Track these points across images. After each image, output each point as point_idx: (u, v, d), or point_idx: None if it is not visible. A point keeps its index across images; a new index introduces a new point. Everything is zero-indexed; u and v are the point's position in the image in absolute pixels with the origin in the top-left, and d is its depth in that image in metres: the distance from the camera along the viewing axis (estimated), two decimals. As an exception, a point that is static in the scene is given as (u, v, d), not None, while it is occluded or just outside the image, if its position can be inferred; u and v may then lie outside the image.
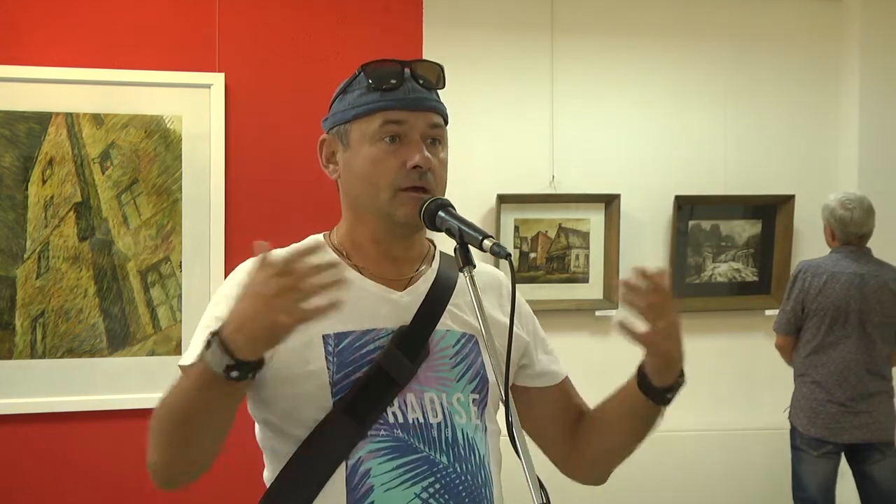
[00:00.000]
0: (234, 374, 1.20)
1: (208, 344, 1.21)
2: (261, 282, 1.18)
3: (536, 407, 1.56)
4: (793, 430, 3.69)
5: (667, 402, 1.43)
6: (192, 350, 1.37)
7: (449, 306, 1.46)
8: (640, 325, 1.33)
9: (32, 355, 3.26)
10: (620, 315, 1.43)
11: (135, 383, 3.30)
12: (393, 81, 1.41)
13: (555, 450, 1.59)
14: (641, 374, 1.42)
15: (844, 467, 3.70)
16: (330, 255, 1.41)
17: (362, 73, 1.43)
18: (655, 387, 1.41)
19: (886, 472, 3.61)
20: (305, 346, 1.38)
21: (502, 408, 1.33)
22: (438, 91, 1.47)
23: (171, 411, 1.30)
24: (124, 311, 3.32)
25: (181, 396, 1.28)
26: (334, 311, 1.19)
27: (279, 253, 1.23)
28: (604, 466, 1.58)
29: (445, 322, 1.45)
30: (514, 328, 1.37)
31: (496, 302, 1.52)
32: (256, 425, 1.47)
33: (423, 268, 1.49)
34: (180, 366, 1.40)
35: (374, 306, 1.42)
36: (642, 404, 1.44)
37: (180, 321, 3.35)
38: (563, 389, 1.60)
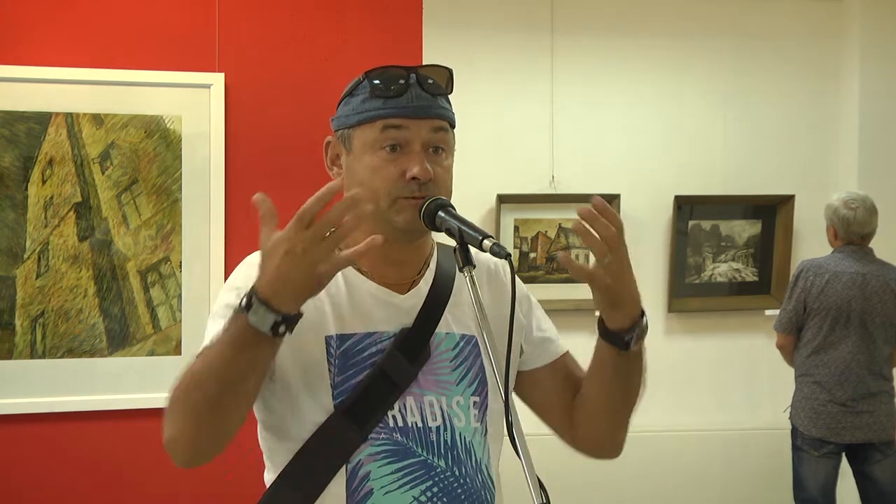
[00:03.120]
0: (282, 329, 1.19)
1: (247, 305, 1.18)
2: (287, 238, 1.17)
3: (538, 386, 1.55)
4: (794, 430, 3.69)
5: (626, 345, 1.38)
6: (205, 341, 1.36)
7: (449, 307, 1.46)
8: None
9: (32, 355, 3.26)
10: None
11: (135, 383, 3.30)
12: (397, 88, 1.39)
13: (563, 429, 1.55)
14: (601, 324, 1.39)
15: (845, 467, 3.70)
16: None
17: (366, 79, 1.42)
18: (612, 331, 1.37)
19: (887, 473, 3.61)
20: (309, 346, 1.38)
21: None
22: (447, 96, 1.45)
23: (204, 380, 1.25)
24: (124, 311, 3.32)
25: (217, 362, 1.24)
26: (377, 246, 1.20)
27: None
28: (607, 435, 1.52)
29: (445, 324, 1.45)
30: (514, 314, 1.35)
31: (498, 289, 1.50)
32: (259, 426, 1.47)
33: (425, 269, 1.49)
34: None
35: (376, 309, 1.43)
36: (609, 355, 1.40)
37: (180, 321, 3.35)
38: (562, 365, 1.57)
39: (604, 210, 1.27)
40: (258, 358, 1.23)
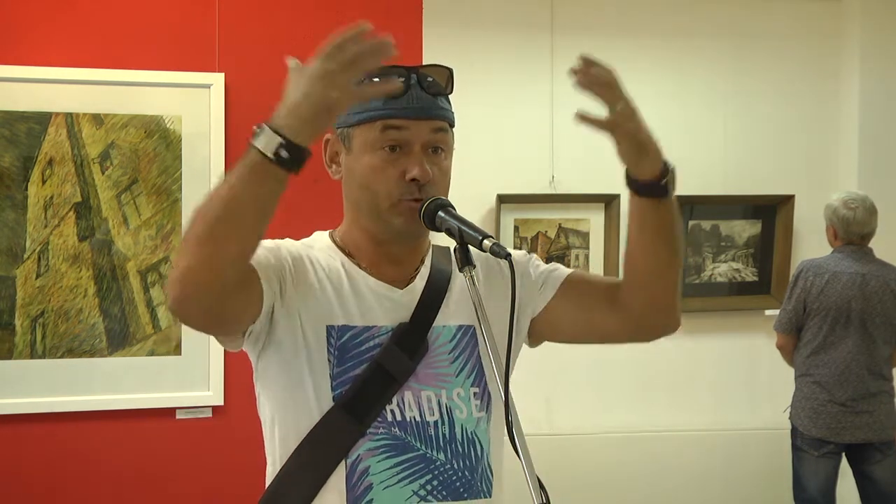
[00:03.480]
0: (284, 153, 1.17)
1: (259, 130, 1.19)
2: (312, 66, 1.18)
3: (562, 312, 1.53)
4: (793, 430, 3.69)
5: (664, 191, 1.38)
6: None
7: (446, 300, 1.47)
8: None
9: (32, 355, 3.26)
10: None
11: (134, 383, 3.30)
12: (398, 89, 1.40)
13: (615, 327, 1.52)
14: (630, 178, 1.39)
15: (845, 467, 3.70)
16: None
17: (367, 79, 1.42)
18: (645, 181, 1.37)
19: (886, 473, 3.62)
20: (310, 333, 1.40)
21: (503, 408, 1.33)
22: (448, 96, 1.45)
23: (206, 207, 1.21)
24: (124, 311, 3.32)
25: (222, 189, 1.21)
26: (392, 91, 1.23)
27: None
28: (664, 301, 1.48)
29: (442, 317, 1.46)
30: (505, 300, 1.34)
31: (498, 281, 1.49)
32: (262, 424, 1.48)
33: (422, 266, 1.50)
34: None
35: (375, 303, 1.44)
36: (649, 209, 1.39)
37: (180, 321, 3.35)
38: (573, 282, 1.54)
39: (593, 60, 1.33)
40: (260, 188, 1.20)
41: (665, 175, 1.38)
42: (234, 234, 1.21)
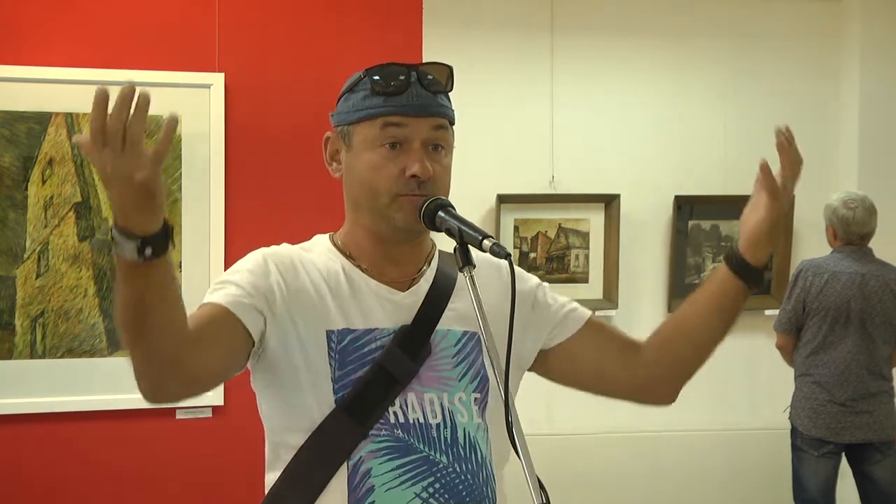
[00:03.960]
0: (149, 250, 1.14)
1: (112, 241, 1.17)
2: (98, 163, 1.12)
3: (578, 357, 1.54)
4: (793, 430, 3.69)
5: (759, 281, 1.47)
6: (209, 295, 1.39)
7: (450, 305, 1.47)
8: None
9: (32, 355, 3.26)
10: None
11: (134, 384, 3.28)
12: (398, 86, 1.40)
13: (622, 385, 1.56)
14: (737, 259, 1.47)
15: (844, 467, 3.70)
16: None
17: (367, 76, 1.42)
18: (754, 266, 1.46)
19: (886, 473, 3.61)
20: (309, 340, 1.40)
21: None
22: (447, 94, 1.45)
23: (121, 313, 1.24)
24: (124, 311, 3.32)
25: (119, 299, 1.23)
26: (167, 147, 1.15)
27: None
28: (684, 376, 1.55)
29: (446, 321, 1.46)
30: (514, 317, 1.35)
31: (500, 290, 1.48)
32: (264, 425, 1.48)
33: (425, 268, 1.50)
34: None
35: (376, 306, 1.43)
36: (736, 292, 1.47)
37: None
38: (593, 326, 1.57)
39: (793, 140, 1.45)
40: (146, 285, 1.19)
41: (764, 270, 1.48)
42: (150, 330, 1.21)
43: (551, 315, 1.55)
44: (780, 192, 1.46)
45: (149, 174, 1.13)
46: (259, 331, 1.38)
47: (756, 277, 1.47)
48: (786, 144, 1.46)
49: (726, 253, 1.50)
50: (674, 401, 1.57)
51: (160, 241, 1.16)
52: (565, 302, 1.59)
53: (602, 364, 1.55)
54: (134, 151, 1.12)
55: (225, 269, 3.65)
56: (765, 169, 1.46)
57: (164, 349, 1.24)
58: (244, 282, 1.40)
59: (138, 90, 1.10)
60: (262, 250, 1.46)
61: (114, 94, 1.09)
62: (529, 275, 1.62)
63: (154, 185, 1.13)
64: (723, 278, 1.49)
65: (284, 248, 1.48)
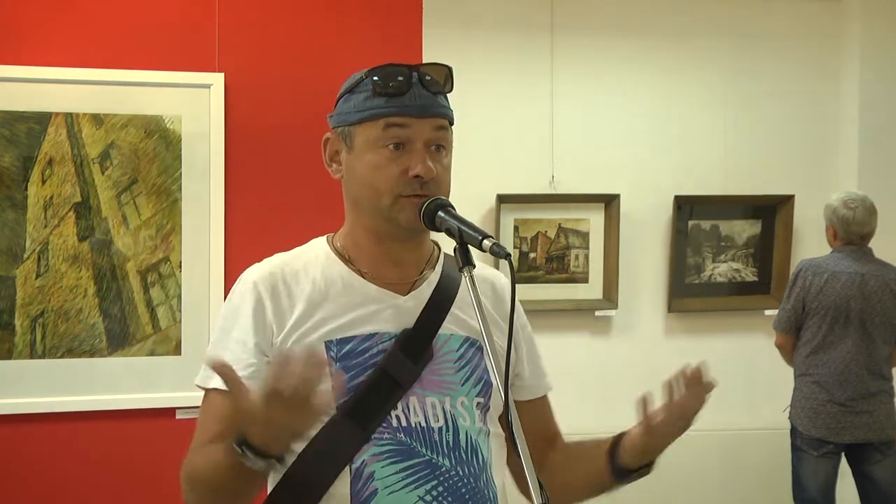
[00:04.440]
0: (279, 466, 1.26)
1: (241, 453, 1.23)
2: (265, 415, 1.19)
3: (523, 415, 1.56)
4: (793, 430, 3.69)
5: (626, 482, 1.47)
6: (206, 371, 1.41)
7: (453, 310, 1.46)
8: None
9: (32, 355, 3.26)
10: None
11: (134, 383, 3.29)
12: (399, 87, 1.40)
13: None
14: (615, 445, 1.47)
15: (844, 467, 3.70)
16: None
17: (368, 77, 1.42)
18: (623, 465, 1.46)
19: (886, 473, 3.61)
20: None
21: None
22: (447, 94, 1.46)
23: (205, 485, 1.35)
24: (124, 312, 3.32)
25: (215, 473, 1.31)
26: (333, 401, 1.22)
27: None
28: (563, 500, 1.57)
29: (449, 326, 1.45)
30: (514, 335, 1.37)
31: (496, 312, 1.51)
32: None
33: (427, 272, 1.50)
34: (198, 384, 1.45)
35: (377, 310, 1.43)
36: (607, 476, 1.48)
37: (180, 321, 3.35)
38: (542, 406, 1.61)
39: (696, 380, 1.42)
40: (253, 475, 1.27)
41: (642, 473, 1.48)
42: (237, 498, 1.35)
43: (528, 365, 1.58)
44: (652, 429, 1.43)
45: (311, 424, 1.23)
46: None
47: (626, 477, 1.47)
48: (694, 380, 1.43)
49: (614, 439, 1.49)
50: None
51: (273, 458, 1.25)
52: (543, 363, 1.62)
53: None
54: (307, 410, 1.18)
55: (225, 270, 3.63)
56: (642, 404, 1.43)
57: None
58: (243, 351, 1.41)
59: (316, 356, 1.18)
60: (254, 277, 1.46)
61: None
62: (522, 312, 1.62)
63: (311, 427, 1.25)
64: (601, 456, 1.50)
65: (278, 267, 1.47)
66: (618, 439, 1.48)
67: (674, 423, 1.41)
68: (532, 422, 1.55)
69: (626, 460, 1.46)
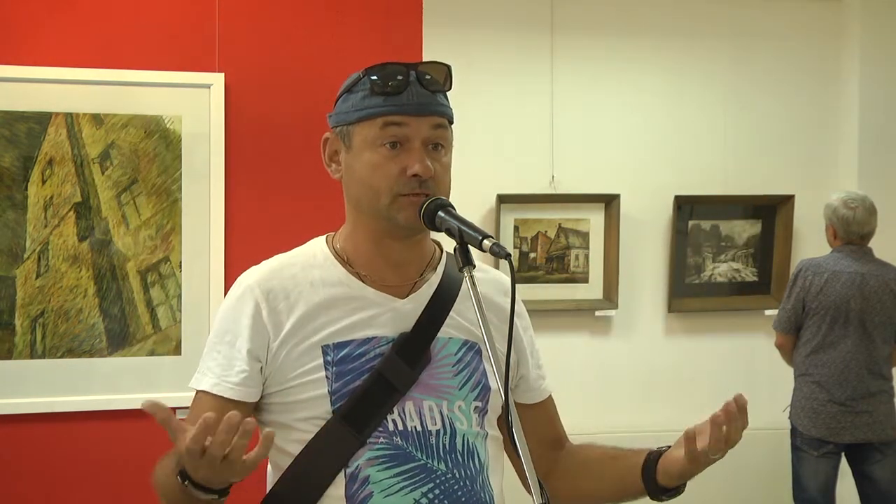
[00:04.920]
0: (222, 498, 1.26)
1: (184, 482, 1.23)
2: (189, 463, 1.19)
3: (525, 420, 1.54)
4: (793, 430, 3.69)
5: (664, 500, 1.48)
6: (202, 373, 1.44)
7: (452, 313, 1.46)
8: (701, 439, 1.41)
9: (32, 355, 3.26)
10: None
11: (134, 383, 3.29)
12: (398, 85, 1.39)
13: (538, 466, 1.59)
14: (650, 462, 1.47)
15: (844, 467, 3.70)
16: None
17: (366, 76, 1.42)
18: (659, 483, 1.46)
19: (886, 472, 3.61)
20: (305, 357, 1.39)
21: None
22: (446, 93, 1.45)
23: (162, 496, 1.37)
24: (124, 312, 3.32)
25: (169, 488, 1.32)
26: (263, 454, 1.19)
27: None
28: (576, 497, 1.60)
29: (447, 329, 1.45)
30: (515, 333, 1.36)
31: (496, 315, 1.49)
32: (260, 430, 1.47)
33: (428, 273, 1.49)
34: (192, 387, 1.46)
35: (374, 314, 1.42)
36: (636, 487, 1.49)
37: (180, 321, 3.35)
38: (546, 408, 1.61)
39: (742, 410, 1.42)
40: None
41: (675, 492, 1.49)
42: None
43: (530, 367, 1.58)
44: (696, 457, 1.43)
45: (243, 475, 1.20)
46: (260, 385, 1.42)
47: (659, 495, 1.48)
48: (734, 413, 1.43)
49: (648, 456, 1.50)
50: None
51: (228, 489, 1.26)
52: (542, 365, 1.62)
53: (532, 441, 1.57)
54: (231, 466, 1.18)
55: (225, 270, 3.63)
56: (688, 438, 1.43)
57: None
58: (236, 357, 1.41)
59: (245, 423, 1.16)
60: (251, 281, 1.45)
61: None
62: (526, 314, 1.62)
63: (248, 474, 1.20)
64: (634, 472, 1.50)
65: (275, 271, 1.47)
66: (653, 457, 1.49)
67: (715, 452, 1.43)
68: (537, 425, 1.56)
69: (662, 479, 1.47)
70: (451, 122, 1.46)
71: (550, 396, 1.62)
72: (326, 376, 1.38)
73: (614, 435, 4.08)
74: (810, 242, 4.11)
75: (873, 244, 3.68)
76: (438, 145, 1.42)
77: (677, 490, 1.47)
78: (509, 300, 1.35)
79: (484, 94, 3.92)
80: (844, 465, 3.69)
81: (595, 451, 1.59)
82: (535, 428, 1.55)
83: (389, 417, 1.38)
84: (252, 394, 1.41)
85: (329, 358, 1.39)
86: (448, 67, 1.45)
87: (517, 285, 1.33)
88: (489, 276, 1.53)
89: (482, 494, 1.42)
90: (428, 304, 1.45)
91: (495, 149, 3.95)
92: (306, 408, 1.38)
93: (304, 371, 1.39)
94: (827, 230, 3.72)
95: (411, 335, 1.42)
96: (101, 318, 3.30)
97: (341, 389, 1.37)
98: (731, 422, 1.41)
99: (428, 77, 1.42)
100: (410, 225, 1.40)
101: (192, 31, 3.42)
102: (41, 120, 3.28)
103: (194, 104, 3.38)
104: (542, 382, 1.60)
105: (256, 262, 1.51)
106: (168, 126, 3.36)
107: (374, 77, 1.40)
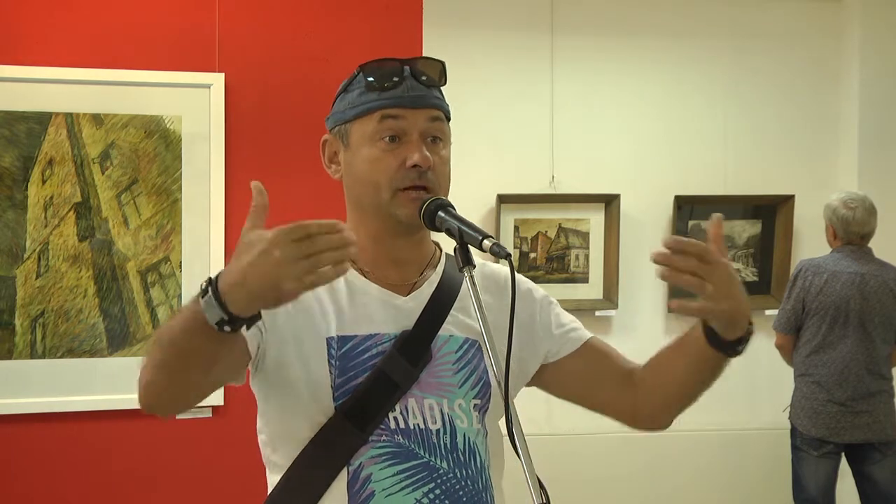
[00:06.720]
0: (227, 328, 1.15)
1: (204, 291, 1.15)
2: (274, 242, 1.11)
3: (574, 375, 1.55)
4: (793, 430, 3.69)
5: (738, 353, 1.39)
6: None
7: (453, 311, 1.46)
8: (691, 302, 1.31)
9: (32, 355, 3.26)
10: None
11: (134, 383, 3.27)
12: (393, 80, 1.40)
13: (613, 408, 1.56)
14: (709, 330, 1.38)
15: (844, 467, 3.70)
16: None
17: (361, 73, 1.43)
18: (726, 340, 1.37)
19: (886, 473, 3.62)
20: (308, 349, 1.39)
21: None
22: (441, 88, 1.46)
23: (163, 344, 1.25)
24: (124, 311, 3.32)
25: (172, 334, 1.22)
26: (341, 272, 1.13)
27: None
28: (673, 411, 1.54)
29: (448, 327, 1.45)
30: (515, 322, 1.35)
31: (500, 302, 1.48)
32: (259, 430, 1.47)
33: (428, 272, 1.49)
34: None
35: (377, 311, 1.43)
36: (713, 357, 1.40)
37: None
38: (593, 348, 1.57)
39: (676, 244, 1.29)
40: (203, 346, 1.20)
41: (747, 336, 1.38)
42: (183, 374, 1.26)
43: (552, 331, 1.56)
44: (709, 311, 1.32)
45: (297, 291, 1.12)
46: (256, 345, 1.37)
47: (728, 348, 1.38)
48: (669, 275, 1.30)
49: (693, 329, 1.41)
50: (667, 427, 1.57)
51: (241, 325, 1.17)
52: (568, 321, 1.59)
53: (598, 388, 1.56)
54: (309, 267, 1.10)
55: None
56: (678, 307, 1.33)
57: (190, 388, 1.31)
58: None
59: (347, 236, 1.11)
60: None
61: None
62: (538, 288, 1.61)
63: (289, 299, 1.14)
64: (702, 347, 1.41)
65: None
66: (703, 325, 1.38)
67: (712, 293, 1.30)
68: (595, 367, 1.55)
69: (727, 335, 1.37)
70: (448, 118, 1.46)
71: (595, 338, 1.58)
72: (329, 371, 1.38)
73: (614, 435, 4.10)
74: (810, 242, 4.11)
75: (873, 244, 3.68)
76: (437, 138, 1.43)
77: (747, 336, 1.38)
78: (507, 293, 1.34)
79: (484, 94, 3.92)
80: (844, 465, 3.69)
81: (654, 358, 1.53)
82: (595, 369, 1.54)
83: (391, 415, 1.38)
84: (252, 335, 1.34)
85: (332, 351, 1.38)
86: (442, 63, 1.46)
87: (519, 283, 1.33)
88: (486, 269, 1.53)
89: (483, 495, 1.42)
90: (429, 301, 1.45)
91: (495, 149, 3.95)
92: (309, 401, 1.38)
93: (306, 363, 1.38)
94: (827, 230, 3.72)
95: (413, 333, 1.42)
96: (101, 318, 3.30)
97: (344, 385, 1.37)
98: (670, 261, 1.31)
99: (424, 74, 1.43)
100: (410, 221, 1.40)
101: (192, 31, 3.42)
102: (41, 120, 3.28)
103: (194, 104, 3.38)
104: (574, 332, 1.57)
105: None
106: (168, 126, 3.36)
107: (370, 73, 1.41)
